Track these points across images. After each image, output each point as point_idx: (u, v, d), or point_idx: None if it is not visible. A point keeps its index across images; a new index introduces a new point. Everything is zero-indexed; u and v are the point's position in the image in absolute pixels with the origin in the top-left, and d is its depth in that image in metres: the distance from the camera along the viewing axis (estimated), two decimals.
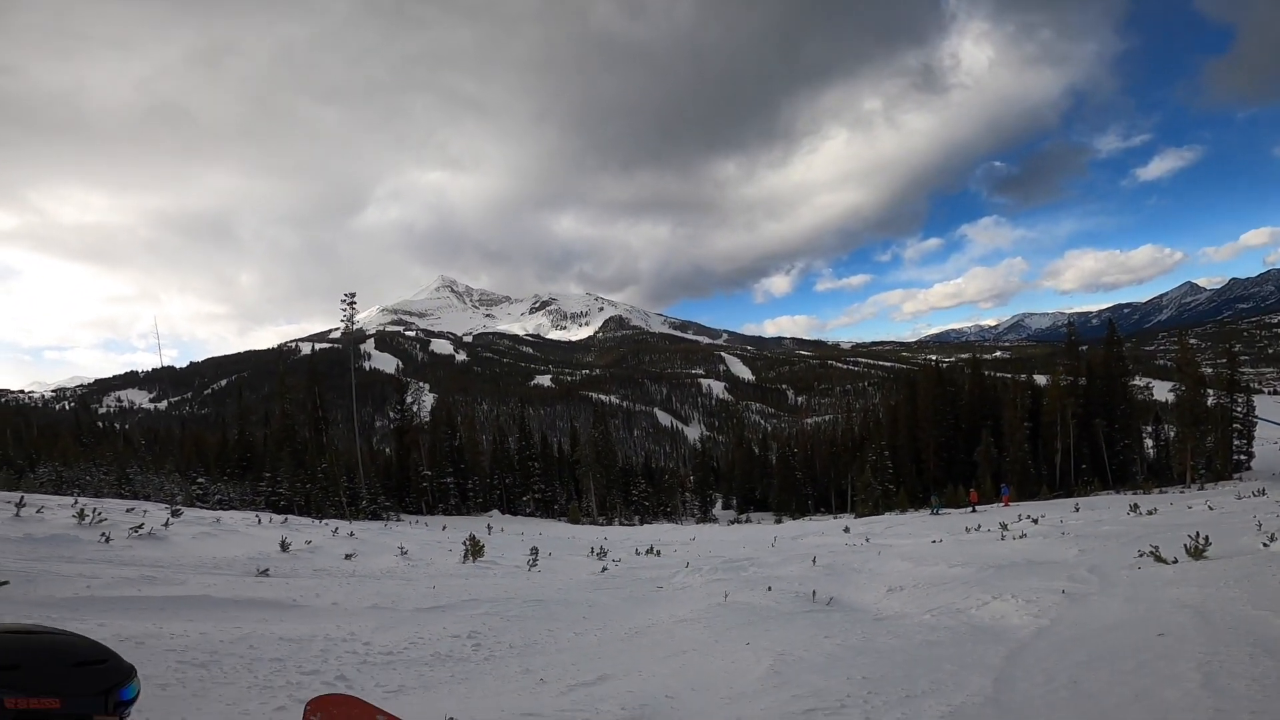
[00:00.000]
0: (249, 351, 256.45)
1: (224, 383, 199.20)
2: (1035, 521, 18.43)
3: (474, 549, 13.82)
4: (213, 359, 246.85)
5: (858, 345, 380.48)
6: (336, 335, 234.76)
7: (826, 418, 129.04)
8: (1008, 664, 4.98)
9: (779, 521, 41.52)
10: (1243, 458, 38.31)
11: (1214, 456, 36.60)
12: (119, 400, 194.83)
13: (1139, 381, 46.74)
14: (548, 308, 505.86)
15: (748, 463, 68.76)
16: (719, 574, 11.22)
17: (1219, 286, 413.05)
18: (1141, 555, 9.09)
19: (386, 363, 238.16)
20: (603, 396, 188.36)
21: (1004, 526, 16.85)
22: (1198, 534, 8.79)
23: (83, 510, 12.42)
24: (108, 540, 10.51)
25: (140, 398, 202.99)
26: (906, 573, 10.43)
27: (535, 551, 14.35)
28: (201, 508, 25.28)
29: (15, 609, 5.72)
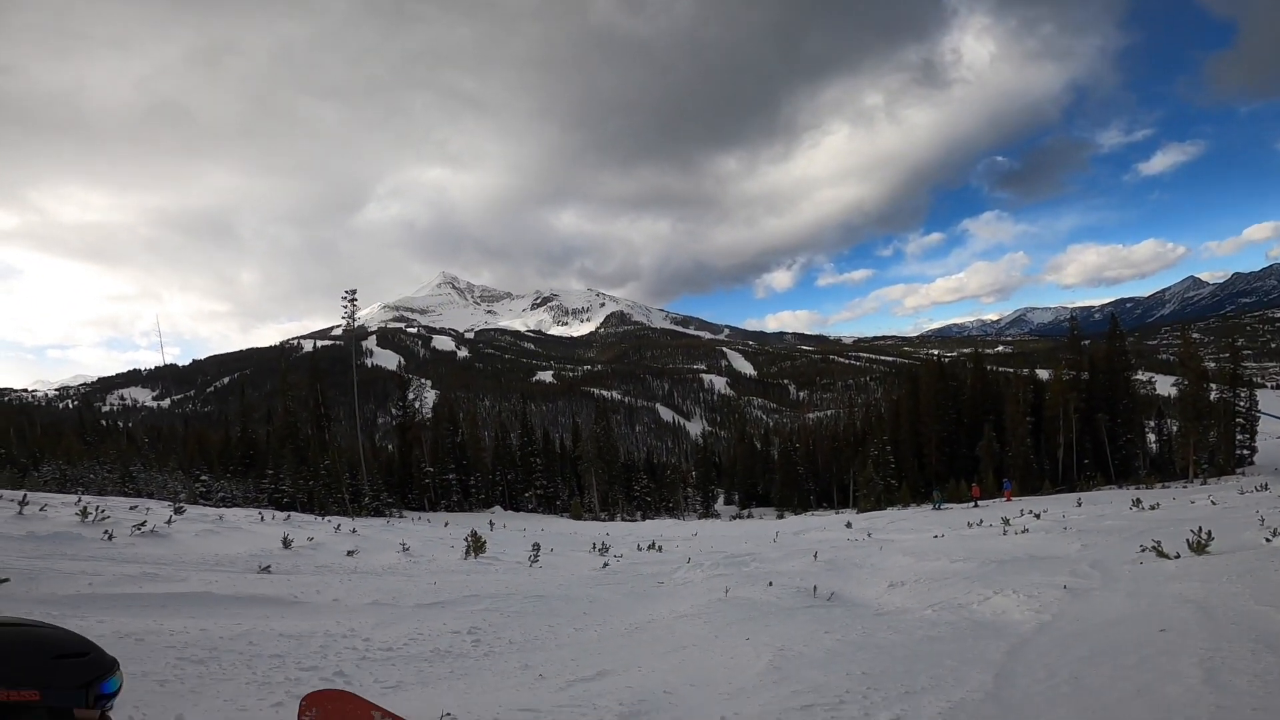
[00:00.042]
0: (251, 349, 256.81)
1: (226, 380, 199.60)
2: (1037, 516, 18.39)
3: (475, 545, 13.85)
4: (215, 357, 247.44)
5: (859, 340, 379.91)
6: (338, 332, 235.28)
7: (828, 413, 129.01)
8: (1009, 659, 4.96)
9: (781, 517, 41.53)
10: (1245, 452, 38.21)
11: (1217, 451, 36.50)
12: (122, 398, 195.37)
13: (1141, 376, 46.65)
14: (549, 304, 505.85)
15: (750, 458, 68.77)
16: (720, 569, 11.21)
17: (1222, 281, 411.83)
18: (1144, 550, 9.06)
19: (388, 359, 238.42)
20: (604, 392, 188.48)
21: (1006, 521, 16.83)
22: (1200, 529, 8.76)
23: (85, 508, 12.47)
24: (110, 538, 10.54)
25: (143, 396, 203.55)
26: (908, 568, 10.41)
27: (537, 547, 14.38)
28: (205, 505, 25.35)
29: (17, 606, 5.73)
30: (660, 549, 16.54)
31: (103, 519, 11.74)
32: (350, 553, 12.88)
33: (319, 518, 23.48)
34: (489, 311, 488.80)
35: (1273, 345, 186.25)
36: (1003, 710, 3.83)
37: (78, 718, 1.20)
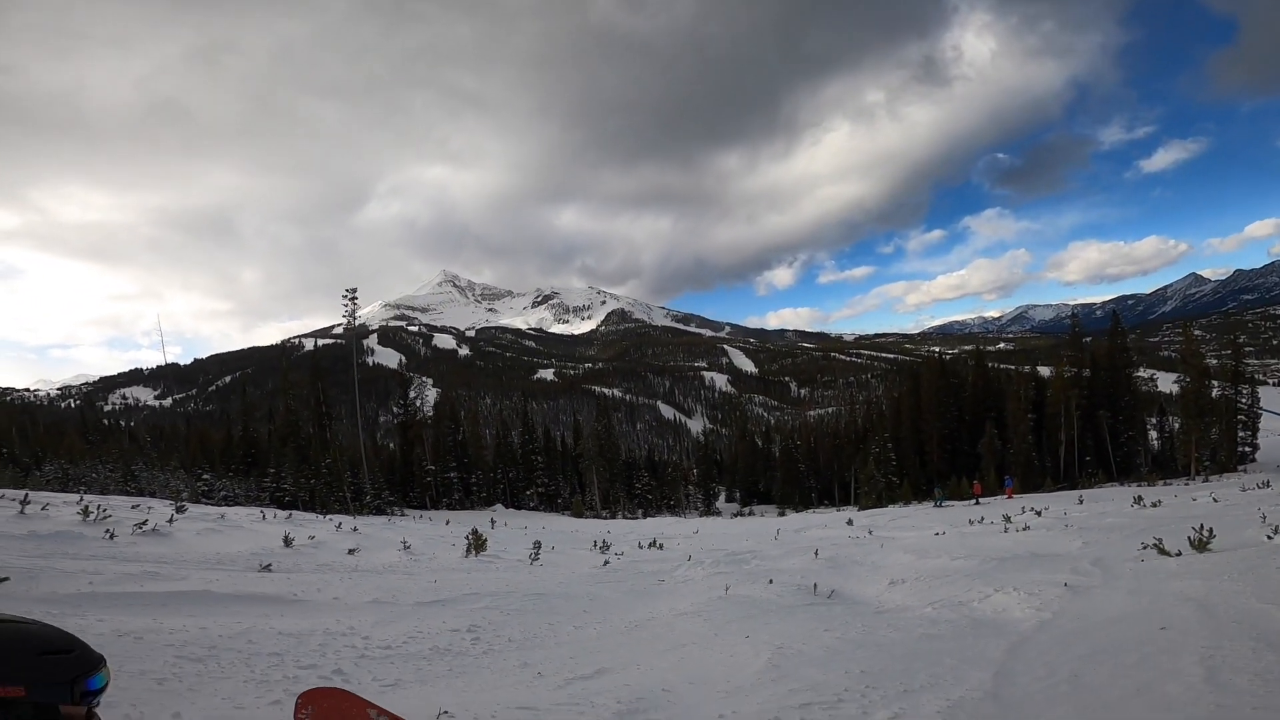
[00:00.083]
0: (252, 348, 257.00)
1: (228, 379, 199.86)
2: (1039, 514, 18.37)
3: (476, 543, 13.86)
4: (216, 356, 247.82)
5: (861, 337, 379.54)
6: (339, 331, 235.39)
7: (830, 410, 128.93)
8: (1008, 657, 4.95)
9: (782, 514, 41.53)
10: (1247, 449, 38.14)
11: (1218, 448, 36.44)
12: (124, 398, 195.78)
13: (1143, 373, 46.62)
14: (550, 301, 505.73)
15: (751, 455, 68.79)
16: (721, 567, 11.21)
17: (1224, 278, 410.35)
18: (1145, 548, 9.04)
19: (389, 358, 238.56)
20: (605, 390, 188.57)
21: (1007, 519, 16.81)
22: (1201, 526, 8.73)
23: (87, 507, 12.49)
24: (112, 537, 10.56)
25: (145, 395, 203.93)
26: (909, 565, 10.41)
27: (538, 545, 14.38)
28: (207, 504, 25.41)
29: (17, 605, 5.73)
30: (661, 547, 16.55)
31: (104, 518, 11.76)
32: (351, 551, 12.90)
33: (321, 516, 23.52)
34: (490, 310, 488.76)
35: (1275, 342, 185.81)
36: (1002, 709, 3.82)
37: (64, 714, 1.19)
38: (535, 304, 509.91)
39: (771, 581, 8.91)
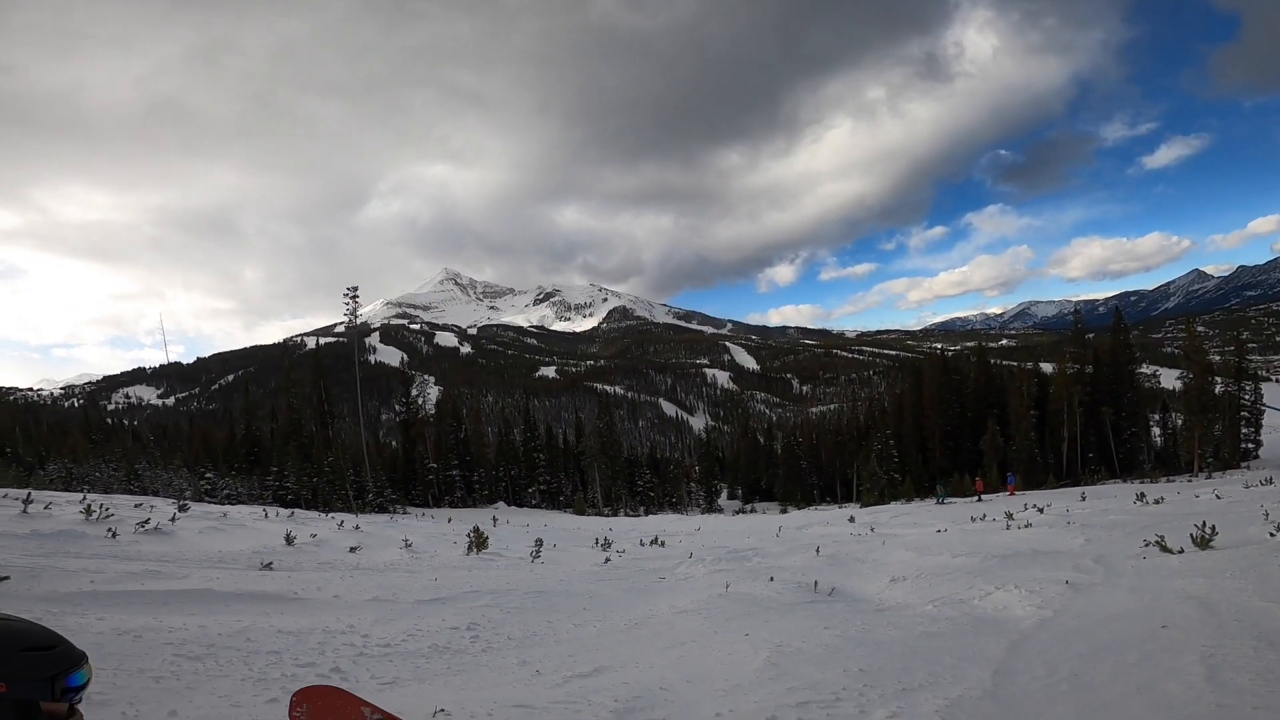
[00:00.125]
0: (255, 346, 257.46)
1: (230, 378, 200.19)
2: (1041, 511, 18.34)
3: (478, 541, 13.87)
4: (219, 355, 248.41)
5: (863, 334, 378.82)
6: (341, 329, 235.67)
7: (832, 407, 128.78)
8: (1008, 656, 4.93)
9: (784, 511, 41.54)
10: (1250, 446, 38.05)
11: (1221, 445, 36.35)
12: (127, 397, 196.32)
13: (1146, 369, 46.55)
14: (551, 299, 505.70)
15: (753, 452, 68.78)
16: (722, 564, 11.21)
17: (1227, 274, 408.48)
18: (1147, 545, 9.02)
19: (391, 356, 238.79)
20: (607, 387, 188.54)
21: (1009, 516, 16.80)
22: (1204, 523, 8.70)
23: (89, 506, 12.52)
24: (114, 536, 10.58)
25: (148, 394, 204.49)
26: (910, 563, 10.39)
27: (539, 543, 14.38)
28: (209, 503, 25.47)
29: (18, 604, 5.75)
30: (663, 544, 16.55)
31: (107, 517, 11.79)
32: (353, 549, 12.91)
33: (323, 514, 23.56)
34: (491, 307, 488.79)
35: (1278, 338, 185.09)
36: (1001, 708, 3.80)
37: (45, 711, 1.20)
38: (537, 301, 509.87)
39: (772, 579, 8.90)
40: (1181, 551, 8.27)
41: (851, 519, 23.30)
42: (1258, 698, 3.38)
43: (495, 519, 26.15)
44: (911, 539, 14.29)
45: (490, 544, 14.26)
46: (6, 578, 6.32)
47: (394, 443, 54.82)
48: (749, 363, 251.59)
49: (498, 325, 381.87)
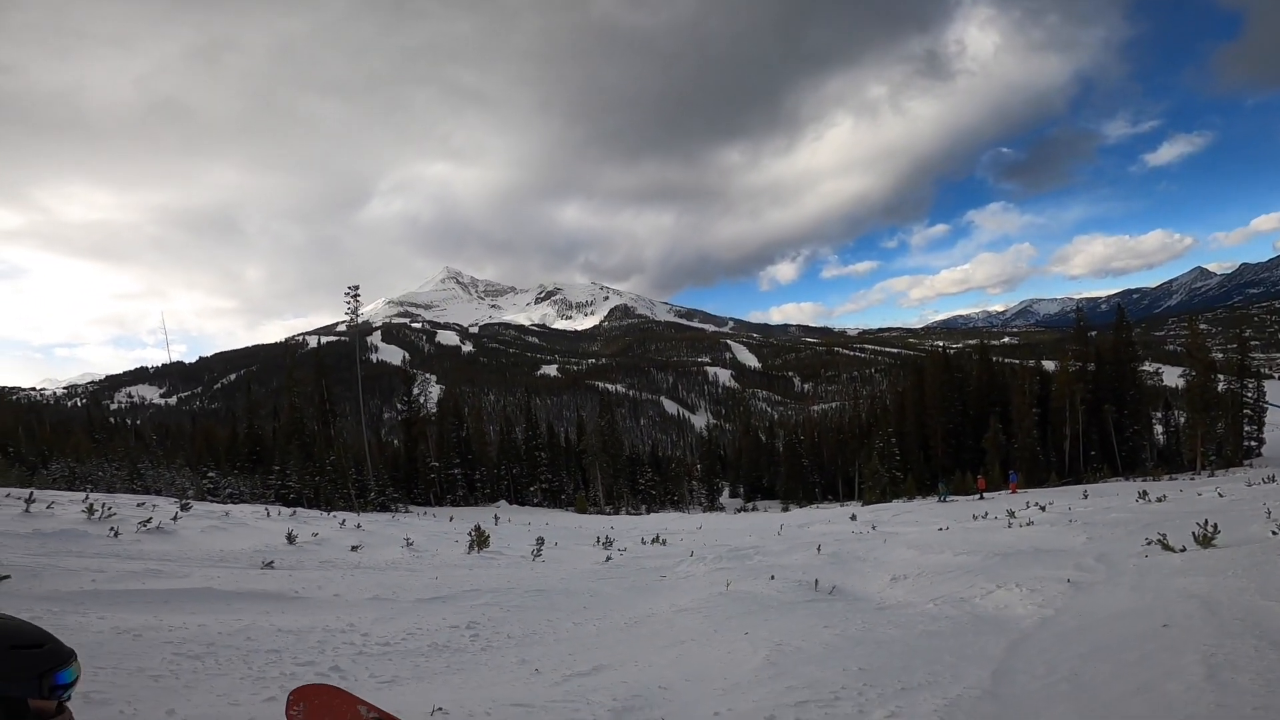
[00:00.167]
0: (257, 346, 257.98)
1: (233, 377, 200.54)
2: (1043, 509, 18.30)
3: (479, 540, 13.89)
4: (221, 354, 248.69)
5: (864, 332, 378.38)
6: (343, 328, 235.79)
7: (833, 405, 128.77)
8: (1008, 655, 4.92)
9: (786, 510, 41.51)
10: (1253, 444, 37.96)
11: (1224, 443, 36.24)
12: (130, 396, 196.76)
13: (1148, 367, 46.30)
14: (553, 297, 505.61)
15: (755, 451, 68.76)
16: (723, 563, 11.20)
17: (1229, 271, 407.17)
18: (1149, 543, 8.98)
19: (393, 355, 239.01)
20: (609, 386, 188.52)
21: (1011, 514, 16.75)
22: (1206, 521, 8.66)
23: (92, 505, 12.57)
24: (116, 535, 10.62)
25: (151, 393, 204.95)
26: (911, 561, 10.37)
27: (541, 541, 14.38)
28: (212, 502, 25.53)
29: (19, 603, 5.76)
30: (664, 542, 16.54)
31: (109, 516, 11.83)
32: (354, 548, 12.94)
33: (325, 513, 23.61)
34: (493, 306, 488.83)
35: None
36: (1000, 707, 3.79)
37: (33, 708, 1.21)
38: (538, 300, 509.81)
39: (773, 577, 8.89)
40: (1183, 550, 8.24)
41: (853, 517, 23.27)
42: (1258, 698, 3.36)
43: (497, 517, 26.18)
44: (913, 537, 14.27)
45: (491, 542, 14.28)
46: (7, 576, 6.33)
47: (396, 441, 54.91)
48: (751, 361, 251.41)
49: (499, 324, 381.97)
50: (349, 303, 40.77)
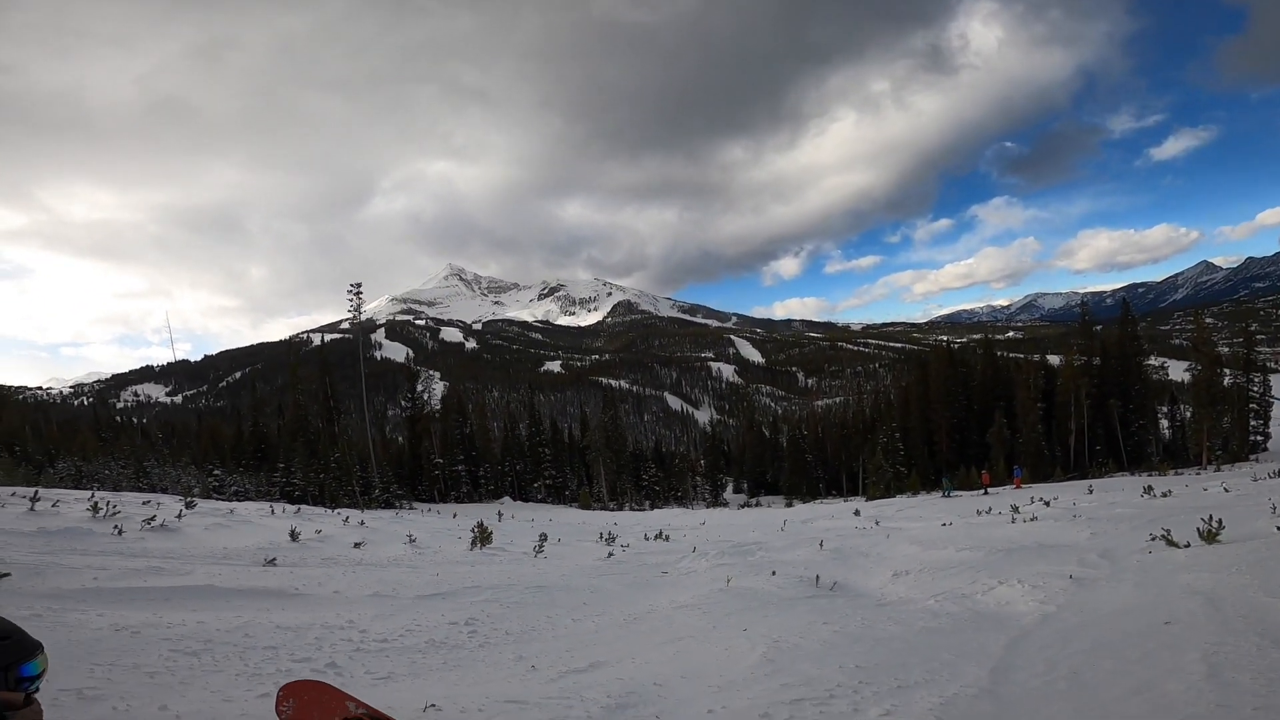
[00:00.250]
0: (261, 344, 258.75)
1: (237, 375, 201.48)
2: (1047, 504, 18.23)
3: (481, 536, 13.91)
4: (226, 352, 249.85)
5: (868, 327, 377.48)
6: (347, 326, 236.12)
7: (837, 400, 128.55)
8: (1008, 652, 4.88)
9: (790, 505, 41.47)
10: (1259, 438, 37.68)
11: (1230, 437, 36.01)
12: (136, 394, 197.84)
13: (1154, 361, 46.08)
14: (556, 294, 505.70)
15: (758, 446, 68.69)
16: (725, 559, 11.19)
17: (1235, 265, 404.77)
18: (1153, 539, 8.92)
19: (397, 352, 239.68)
20: (612, 381, 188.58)
21: (1015, 509, 16.69)
22: (1211, 517, 8.60)
23: (96, 503, 12.63)
24: (120, 533, 10.66)
25: (156, 391, 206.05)
26: (914, 557, 10.34)
27: (543, 538, 14.39)
28: (217, 499, 25.66)
29: (21, 600, 5.78)
30: (667, 538, 16.55)
31: (114, 514, 11.89)
32: (357, 545, 12.97)
33: (329, 510, 23.70)
34: (496, 303, 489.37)
35: None
36: (997, 706, 3.75)
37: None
38: (541, 296, 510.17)
39: (774, 573, 8.87)
40: (1188, 546, 8.18)
41: (857, 512, 23.23)
42: (1259, 697, 3.32)
43: (500, 514, 26.22)
44: (916, 532, 14.23)
45: (494, 539, 14.31)
46: (7, 574, 6.35)
47: (400, 438, 55.05)
48: (754, 356, 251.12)
49: (502, 320, 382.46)
50: (352, 300, 40.86)
